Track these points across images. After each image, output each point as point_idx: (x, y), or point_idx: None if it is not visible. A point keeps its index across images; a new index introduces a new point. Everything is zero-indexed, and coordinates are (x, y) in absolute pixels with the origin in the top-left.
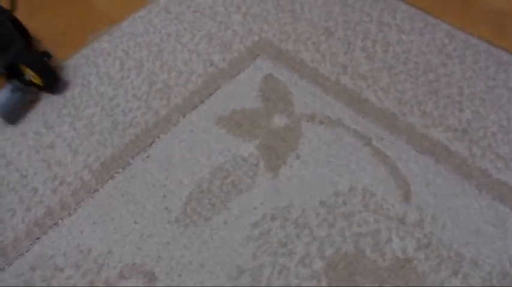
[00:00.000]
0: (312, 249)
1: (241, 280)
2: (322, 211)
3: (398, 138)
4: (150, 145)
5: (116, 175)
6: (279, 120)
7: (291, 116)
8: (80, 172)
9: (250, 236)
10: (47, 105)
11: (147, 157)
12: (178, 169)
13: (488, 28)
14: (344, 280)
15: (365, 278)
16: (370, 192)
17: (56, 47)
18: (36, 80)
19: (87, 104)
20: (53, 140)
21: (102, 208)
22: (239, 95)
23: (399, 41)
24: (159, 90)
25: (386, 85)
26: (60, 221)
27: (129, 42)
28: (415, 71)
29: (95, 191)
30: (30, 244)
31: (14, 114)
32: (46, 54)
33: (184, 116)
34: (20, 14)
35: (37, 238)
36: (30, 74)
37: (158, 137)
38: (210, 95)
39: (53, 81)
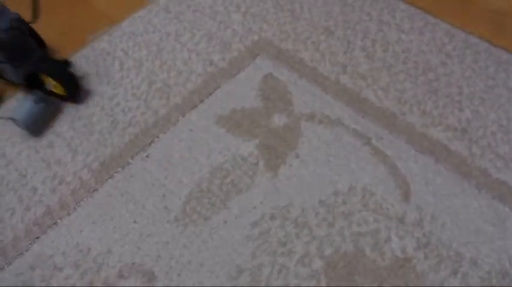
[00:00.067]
0: (311, 248)
1: (241, 279)
2: (321, 210)
3: (398, 137)
4: (150, 144)
5: (115, 174)
6: (278, 120)
7: (290, 116)
8: (80, 172)
9: (250, 236)
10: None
11: (147, 156)
12: (178, 168)
13: (488, 28)
14: (343, 280)
15: (364, 278)
16: (370, 191)
17: (56, 47)
18: (58, 89)
19: (87, 104)
20: (53, 140)
21: (101, 207)
22: (239, 94)
23: (399, 41)
24: (159, 90)
25: (386, 84)
26: (59, 220)
27: (128, 42)
28: (415, 70)
29: (94, 191)
30: (30, 244)
31: (38, 126)
32: (67, 63)
33: (183, 116)
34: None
35: (36, 238)
36: (51, 84)
37: (158, 137)
38: (210, 94)
39: (75, 90)
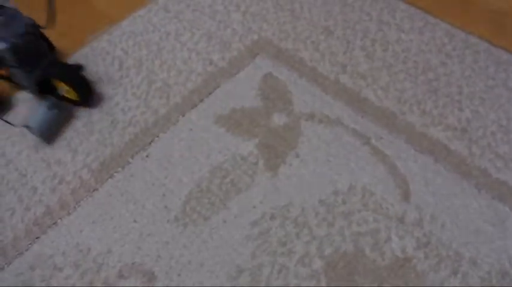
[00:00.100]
0: (311, 248)
1: (241, 279)
2: (321, 210)
3: (398, 137)
4: (150, 143)
5: (115, 174)
6: (278, 119)
7: (290, 115)
8: (79, 171)
9: (250, 236)
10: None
11: (147, 156)
12: (178, 167)
13: (487, 28)
14: (343, 280)
15: (364, 278)
16: (370, 191)
17: (56, 47)
18: (70, 94)
19: (86, 103)
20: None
21: (101, 207)
22: (238, 93)
23: (398, 40)
24: (159, 89)
25: (386, 84)
26: (59, 220)
27: (128, 42)
28: (415, 70)
29: (94, 190)
30: (30, 244)
31: (52, 133)
32: (79, 67)
33: (183, 115)
34: None
35: (36, 237)
36: (63, 89)
37: (157, 136)
38: (210, 93)
39: (88, 94)
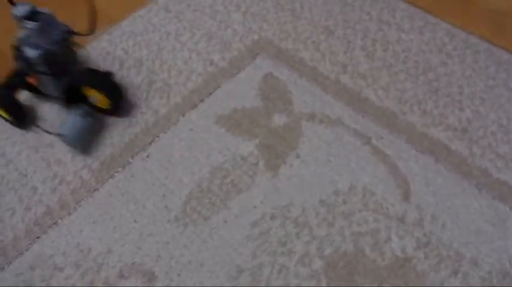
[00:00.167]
0: (311, 248)
1: (241, 279)
2: (322, 210)
3: (398, 137)
4: (150, 144)
5: (115, 174)
6: (278, 119)
7: (290, 115)
8: (80, 171)
9: (250, 236)
10: (47, 104)
11: (147, 156)
12: (178, 168)
13: (488, 27)
14: (343, 280)
15: (364, 278)
16: (370, 191)
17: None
18: (102, 103)
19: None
20: (53, 139)
21: (101, 207)
22: (239, 94)
23: (399, 40)
24: (159, 89)
25: (386, 84)
26: (59, 220)
27: (128, 41)
28: (415, 70)
29: (94, 190)
30: (30, 243)
31: (85, 143)
32: (110, 73)
33: (184, 115)
34: None
35: (37, 237)
36: (95, 97)
37: (158, 136)
38: (210, 94)
39: (120, 102)
